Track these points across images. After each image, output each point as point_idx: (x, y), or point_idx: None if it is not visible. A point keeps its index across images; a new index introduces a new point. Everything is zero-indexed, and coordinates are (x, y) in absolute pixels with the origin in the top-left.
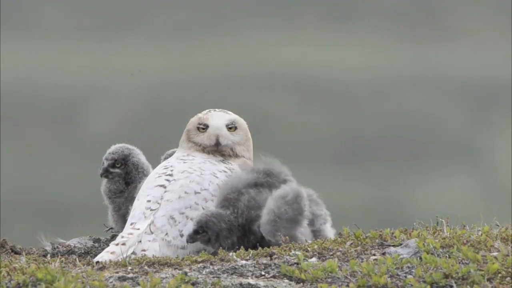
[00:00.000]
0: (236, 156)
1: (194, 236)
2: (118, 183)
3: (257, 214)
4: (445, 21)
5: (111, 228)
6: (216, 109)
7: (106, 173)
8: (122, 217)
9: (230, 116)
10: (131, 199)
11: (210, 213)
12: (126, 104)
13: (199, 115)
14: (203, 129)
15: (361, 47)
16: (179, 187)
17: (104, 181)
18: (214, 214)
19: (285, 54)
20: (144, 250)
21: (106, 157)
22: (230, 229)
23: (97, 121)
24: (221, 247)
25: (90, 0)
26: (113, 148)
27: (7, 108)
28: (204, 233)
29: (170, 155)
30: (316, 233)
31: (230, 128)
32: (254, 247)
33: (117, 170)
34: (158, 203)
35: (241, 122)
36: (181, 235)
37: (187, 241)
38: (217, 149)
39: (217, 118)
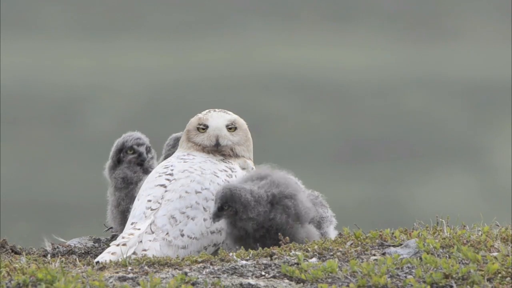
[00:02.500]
0: (236, 156)
1: (219, 214)
2: (135, 170)
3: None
4: (445, 21)
5: (111, 227)
6: (216, 109)
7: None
8: (122, 213)
9: (230, 116)
10: (131, 197)
11: (234, 186)
12: (126, 104)
13: (199, 115)
14: (203, 129)
15: (361, 47)
16: (179, 187)
17: (119, 167)
18: (238, 187)
19: (285, 54)
20: (145, 250)
21: (138, 143)
22: (257, 201)
23: (97, 121)
24: (245, 223)
25: (90, 0)
26: (138, 134)
27: (7, 108)
28: (230, 207)
29: (175, 140)
30: (323, 235)
31: (230, 128)
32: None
33: (150, 156)
34: (159, 203)
35: (241, 122)
36: (182, 235)
37: (213, 221)
38: (217, 149)
39: (217, 119)
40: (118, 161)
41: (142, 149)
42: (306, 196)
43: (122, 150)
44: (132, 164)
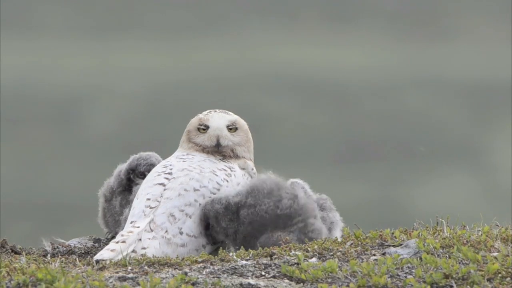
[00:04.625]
0: (237, 157)
1: (208, 232)
2: None
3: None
4: (445, 21)
5: (109, 232)
6: (217, 110)
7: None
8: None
9: (231, 117)
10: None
11: (205, 203)
12: (126, 104)
13: (200, 115)
14: (204, 130)
15: (362, 47)
16: (178, 185)
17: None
18: (209, 201)
19: (285, 54)
20: (144, 248)
21: (150, 170)
22: (226, 207)
23: (97, 121)
24: (223, 230)
25: (89, 0)
26: (153, 158)
27: (7, 108)
28: (211, 225)
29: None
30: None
31: (231, 129)
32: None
33: None
34: (158, 201)
35: (242, 123)
36: (181, 233)
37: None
38: (218, 150)
39: (218, 119)
40: (128, 180)
41: None
42: (289, 202)
43: (134, 171)
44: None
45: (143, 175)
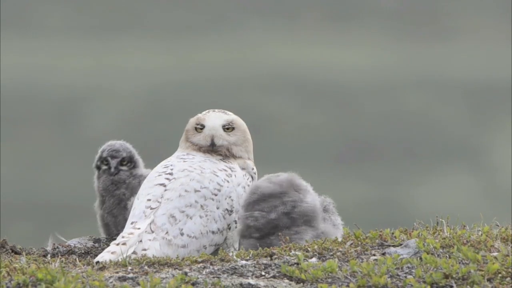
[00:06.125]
0: (233, 156)
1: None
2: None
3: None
4: (445, 21)
5: (109, 236)
6: (216, 110)
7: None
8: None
9: (228, 116)
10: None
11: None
12: (126, 104)
13: (199, 115)
14: (200, 129)
15: (362, 47)
16: (179, 186)
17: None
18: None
19: (285, 54)
20: (144, 250)
21: (112, 155)
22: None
23: (96, 121)
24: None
25: (90, 0)
26: (118, 144)
27: (7, 108)
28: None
29: None
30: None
31: (228, 128)
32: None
33: (125, 168)
34: (158, 202)
35: (239, 122)
36: (182, 234)
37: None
38: (212, 149)
39: (214, 119)
40: (97, 168)
41: (114, 162)
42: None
43: (100, 158)
44: (106, 175)
45: (106, 161)
